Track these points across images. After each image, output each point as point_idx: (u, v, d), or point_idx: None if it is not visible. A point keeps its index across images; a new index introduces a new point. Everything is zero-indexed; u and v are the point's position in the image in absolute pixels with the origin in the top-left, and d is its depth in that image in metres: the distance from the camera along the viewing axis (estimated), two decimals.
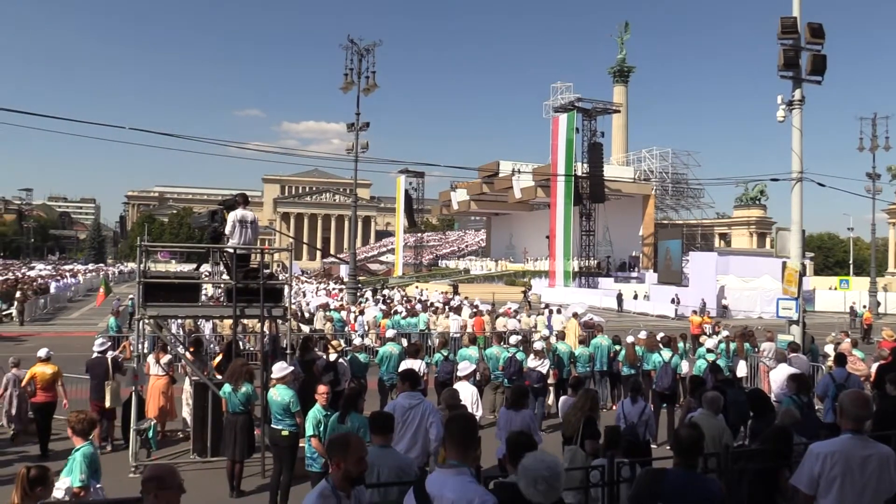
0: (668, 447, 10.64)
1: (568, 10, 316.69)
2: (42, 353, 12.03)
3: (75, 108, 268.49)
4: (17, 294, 32.28)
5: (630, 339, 15.45)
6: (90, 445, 6.09)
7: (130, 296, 24.20)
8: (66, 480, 5.78)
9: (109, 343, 12.44)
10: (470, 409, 8.76)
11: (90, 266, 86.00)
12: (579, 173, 55.77)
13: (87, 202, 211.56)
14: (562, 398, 10.06)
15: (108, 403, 11.37)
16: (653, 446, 10.06)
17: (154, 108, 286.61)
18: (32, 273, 55.11)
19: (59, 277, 50.19)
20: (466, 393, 8.97)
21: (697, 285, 44.01)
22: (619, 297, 47.19)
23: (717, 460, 5.63)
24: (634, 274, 59.76)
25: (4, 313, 30.39)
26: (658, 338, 15.18)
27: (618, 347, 15.70)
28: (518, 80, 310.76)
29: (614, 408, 14.12)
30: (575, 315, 20.78)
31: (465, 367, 9.73)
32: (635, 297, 48.68)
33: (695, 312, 29.78)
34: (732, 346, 16.39)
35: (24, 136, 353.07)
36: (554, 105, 61.49)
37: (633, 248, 63.95)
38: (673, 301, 43.61)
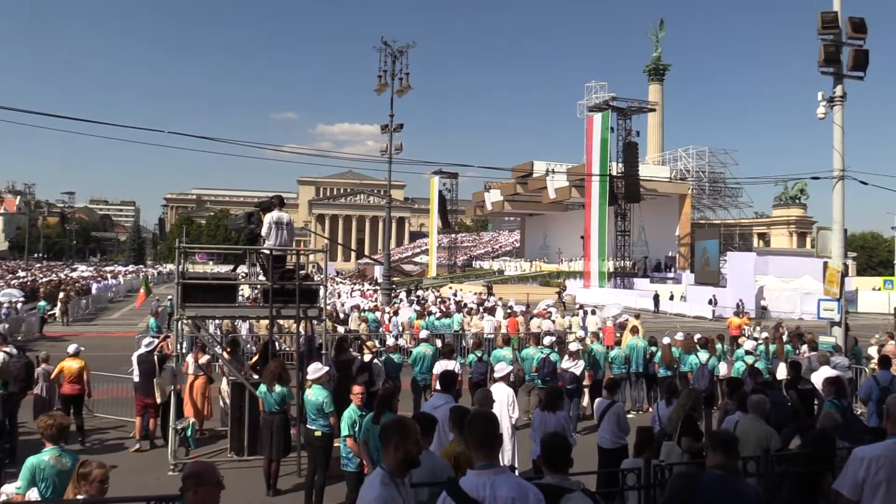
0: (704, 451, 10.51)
1: (601, 8, 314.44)
2: (71, 348, 12.58)
3: (115, 111, 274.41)
4: (61, 295, 33.03)
5: (666, 340, 15.27)
6: (51, 451, 5.65)
7: (169, 296, 24.61)
8: (13, 486, 5.65)
9: (156, 342, 12.72)
10: (506, 410, 8.75)
11: (130, 267, 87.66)
12: (614, 173, 55.29)
13: (127, 205, 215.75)
14: (597, 400, 9.98)
15: (159, 399, 11.64)
16: None
17: (192, 111, 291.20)
18: (74, 274, 56.26)
19: (100, 279, 51.18)
20: (503, 394, 8.92)
21: (735, 286, 43.33)
22: (656, 298, 46.66)
23: (757, 464, 5.54)
24: (671, 274, 59.06)
25: (48, 313, 31.10)
26: (695, 339, 14.98)
27: (654, 349, 15.53)
28: (551, 80, 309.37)
29: (650, 410, 13.97)
30: (637, 316, 20.59)
31: (501, 369, 9.68)
32: (671, 297, 48.10)
33: (736, 314, 29.30)
34: (772, 347, 16.11)
35: (66, 140, 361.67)
36: (588, 104, 61.07)
37: (669, 249, 63.23)
38: (710, 302, 43.01)
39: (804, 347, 16.31)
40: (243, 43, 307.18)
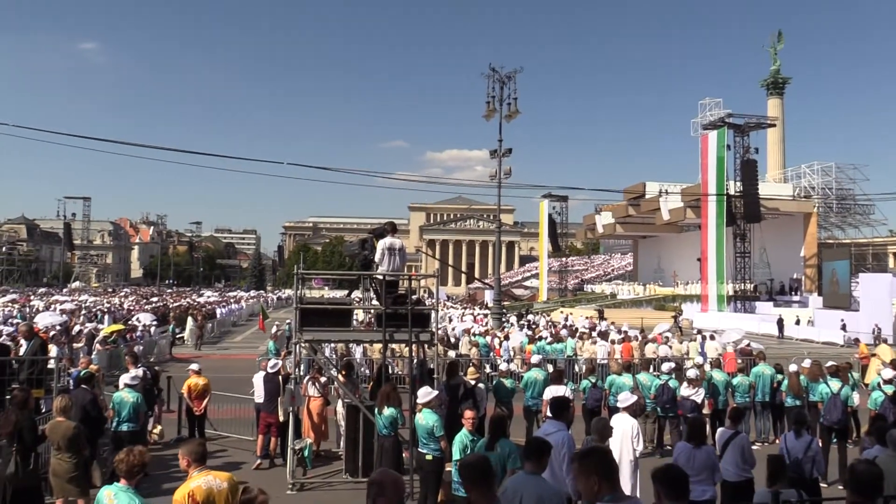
0: (840, 486, 9.82)
1: (715, 24, 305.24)
2: (194, 366, 13.81)
3: (236, 146, 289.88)
4: (191, 321, 34.85)
5: (793, 367, 14.42)
6: (113, 489, 5.30)
7: (288, 321, 25.53)
8: None
9: (280, 364, 13.24)
10: (630, 443, 8.50)
11: (252, 293, 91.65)
12: (732, 192, 53.20)
13: (248, 233, 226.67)
14: (719, 430, 9.52)
15: (281, 418, 12.10)
16: (822, 485, 9.30)
17: (308, 143, 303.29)
18: (201, 300, 59.39)
19: (224, 303, 53.80)
20: (627, 425, 8.64)
21: (869, 310, 40.50)
22: (780, 323, 44.28)
23: None
24: (796, 298, 55.92)
25: (178, 336, 32.94)
26: (824, 367, 14.06)
27: (780, 377, 14.70)
28: (663, 99, 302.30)
29: (777, 441, 13.23)
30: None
31: (625, 399, 9.37)
32: (798, 322, 45.50)
33: (857, 341, 27.25)
34: None
35: (194, 173, 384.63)
36: (703, 122, 59.24)
37: (793, 270, 59.97)
38: (843, 327, 40.39)
39: None
40: (351, 76, 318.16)
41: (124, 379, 11.29)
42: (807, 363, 14.61)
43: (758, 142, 55.69)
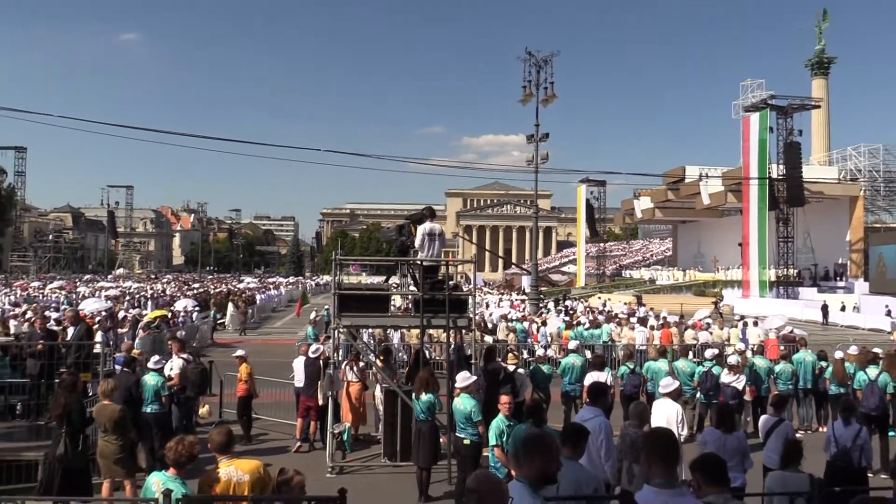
0: (884, 476, 9.60)
1: (757, 3, 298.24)
2: (241, 352, 13.95)
3: (274, 134, 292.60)
4: (233, 307, 35.40)
5: (839, 354, 14.12)
6: (161, 476, 5.42)
7: (326, 306, 25.77)
8: None
9: (322, 349, 13.37)
10: (675, 428, 8.41)
11: (290, 279, 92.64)
12: (774, 175, 52.07)
13: (287, 220, 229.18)
14: (763, 418, 9.38)
15: (321, 401, 12.20)
16: (869, 474, 9.12)
17: (345, 130, 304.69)
18: (241, 286, 60.15)
19: (264, 290, 54.44)
20: (671, 410, 8.54)
21: None
22: (825, 309, 43.36)
23: None
24: (842, 283, 54.67)
25: (219, 322, 33.44)
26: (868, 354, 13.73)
27: (823, 364, 14.41)
28: (703, 81, 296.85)
29: (821, 430, 13.02)
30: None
31: (667, 384, 9.26)
32: (843, 308, 44.50)
33: None
34: None
35: (234, 162, 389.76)
36: (744, 104, 57.90)
37: (839, 255, 58.59)
38: (888, 313, 39.39)
39: None
40: (389, 62, 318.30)
41: (149, 363, 11.52)
42: (853, 350, 14.30)
43: (802, 124, 54.44)
